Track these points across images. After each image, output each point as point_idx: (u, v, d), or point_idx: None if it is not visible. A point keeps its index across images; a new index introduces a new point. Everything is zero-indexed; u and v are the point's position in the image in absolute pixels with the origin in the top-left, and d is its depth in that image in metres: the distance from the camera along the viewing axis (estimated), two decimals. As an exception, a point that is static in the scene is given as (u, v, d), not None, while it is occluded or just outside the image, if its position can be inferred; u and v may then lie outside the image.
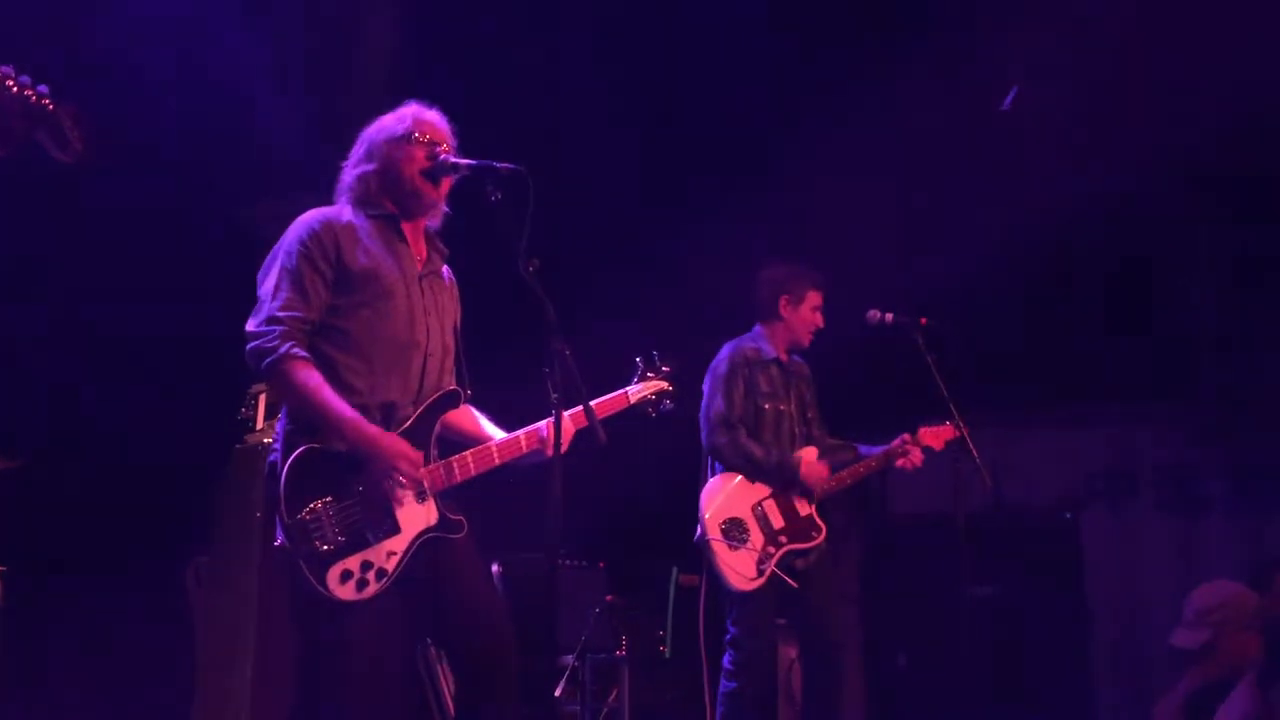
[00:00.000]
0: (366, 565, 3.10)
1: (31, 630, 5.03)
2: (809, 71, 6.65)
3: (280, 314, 3.15)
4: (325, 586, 3.04)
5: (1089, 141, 6.50)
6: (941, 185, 6.58)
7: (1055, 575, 6.51)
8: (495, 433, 3.47)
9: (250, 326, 3.18)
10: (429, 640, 5.07)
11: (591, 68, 6.50)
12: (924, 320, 4.83)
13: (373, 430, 3.12)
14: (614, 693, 5.79)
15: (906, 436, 4.95)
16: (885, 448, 4.98)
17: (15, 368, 5.38)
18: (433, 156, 3.34)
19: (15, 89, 2.03)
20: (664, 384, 3.79)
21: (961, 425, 4.75)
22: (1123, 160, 6.32)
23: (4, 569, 4.92)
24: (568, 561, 5.89)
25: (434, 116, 3.42)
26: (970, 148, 6.60)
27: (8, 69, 2.03)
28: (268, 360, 3.11)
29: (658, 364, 3.82)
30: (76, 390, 5.38)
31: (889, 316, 4.92)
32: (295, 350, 3.12)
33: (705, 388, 4.98)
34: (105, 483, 5.37)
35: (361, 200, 3.37)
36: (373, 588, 3.09)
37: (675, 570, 6.27)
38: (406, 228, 3.40)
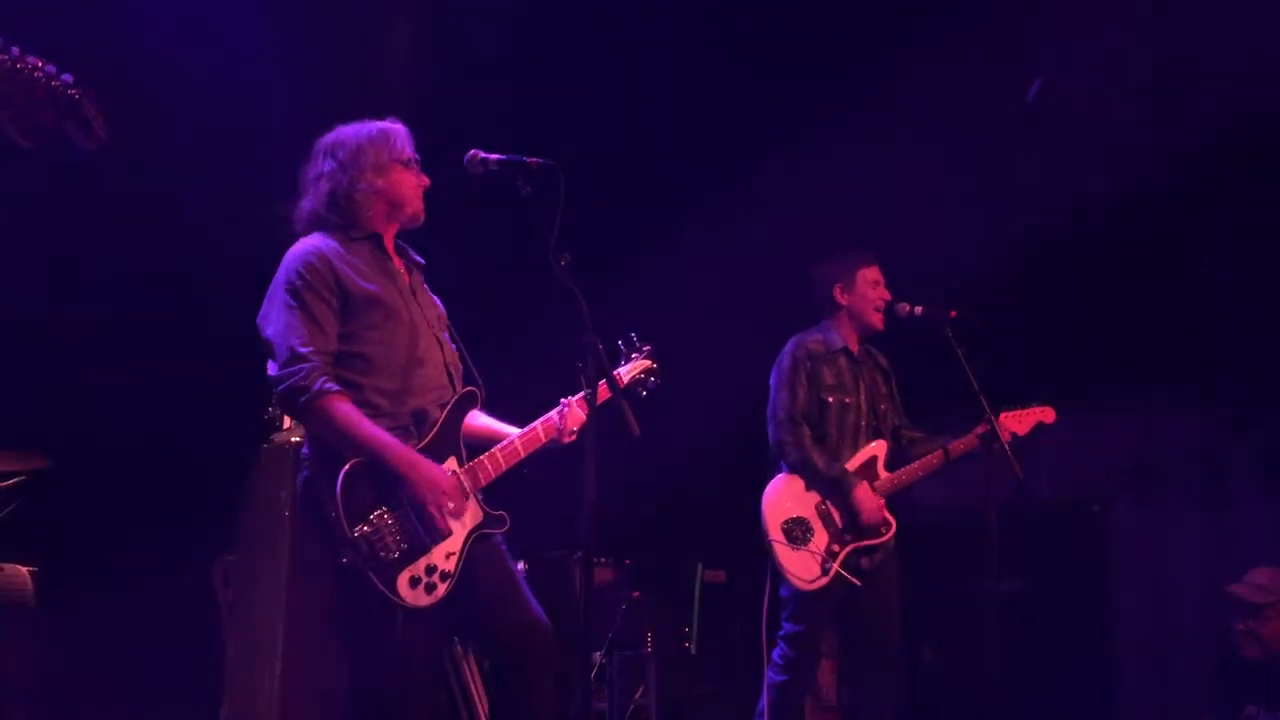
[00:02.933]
0: (431, 569, 3.14)
1: (61, 629, 5.05)
2: (817, 60, 6.60)
3: (302, 350, 3.15)
4: (398, 595, 3.07)
5: (1109, 122, 6.44)
6: (957, 171, 6.52)
7: (1082, 568, 6.48)
8: (510, 429, 3.50)
9: (274, 371, 3.18)
10: (455, 638, 5.08)
11: (600, 46, 6.47)
12: (953, 313, 4.78)
13: (415, 459, 3.16)
14: (641, 689, 5.78)
15: (984, 428, 4.79)
16: (961, 439, 4.85)
17: (42, 367, 5.39)
18: (423, 185, 3.42)
19: (43, 79, 2.02)
20: (649, 362, 3.87)
21: (991, 417, 4.71)
22: (1143, 141, 6.27)
23: (34, 569, 4.95)
24: (594, 559, 5.87)
25: (405, 131, 3.46)
26: (987, 132, 6.55)
27: (34, 59, 2.02)
28: (304, 399, 3.11)
29: (638, 344, 3.89)
30: (103, 390, 5.38)
31: (918, 309, 4.87)
32: (328, 385, 3.13)
33: (770, 383, 4.93)
34: (132, 482, 5.38)
35: (345, 220, 3.36)
36: (441, 589, 3.14)
37: (700, 567, 6.26)
38: (389, 245, 3.43)
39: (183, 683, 5.22)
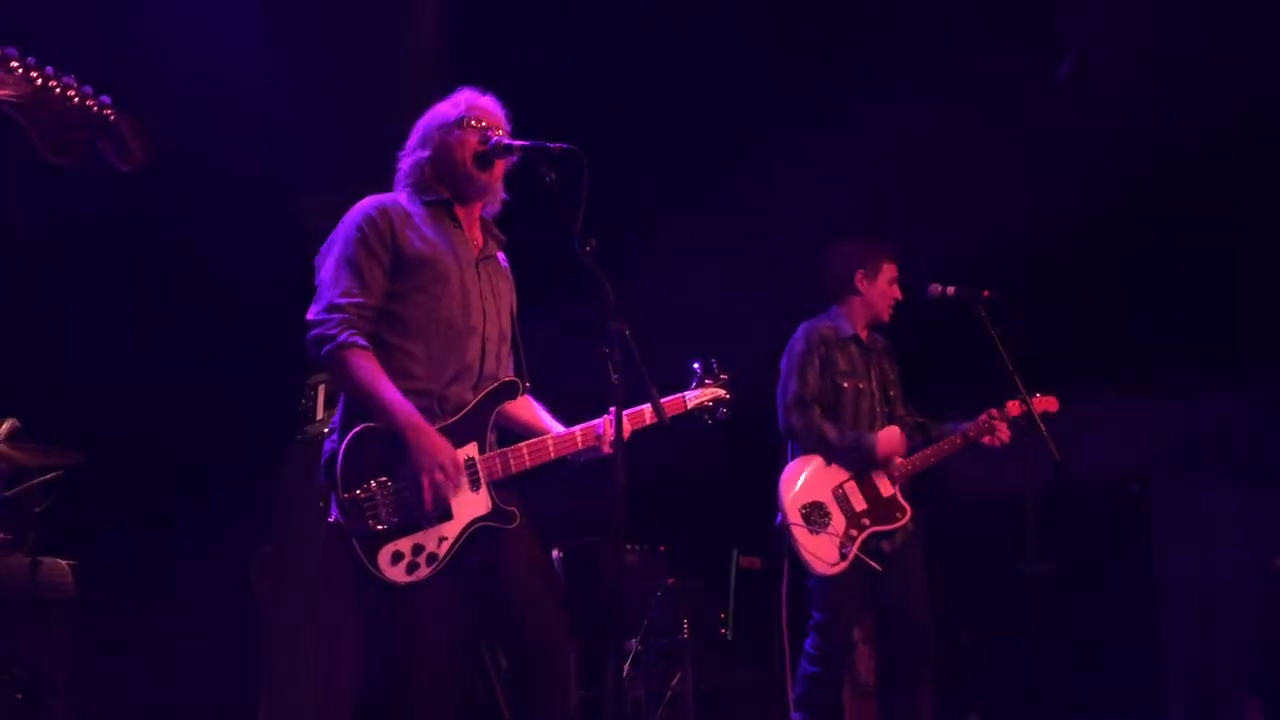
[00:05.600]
0: (418, 549, 3.11)
1: (99, 622, 5.10)
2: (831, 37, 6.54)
3: (340, 301, 3.16)
4: (376, 566, 3.05)
5: (1150, 96, 6.34)
6: (995, 147, 6.44)
7: (1124, 550, 6.42)
8: (553, 425, 3.46)
9: (310, 314, 3.20)
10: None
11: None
12: (986, 293, 4.73)
13: (422, 426, 3.11)
14: (677, 676, 5.77)
15: (994, 411, 4.78)
16: (970, 423, 4.84)
17: (78, 363, 5.45)
18: (485, 140, 3.33)
19: (77, 100, 2.03)
20: (721, 391, 3.75)
21: (1027, 398, 4.66)
22: (1184, 116, 6.17)
23: (73, 562, 4.99)
24: (629, 546, 5.87)
25: (487, 101, 3.42)
26: (1025, 106, 6.46)
27: (70, 79, 2.03)
28: (327, 348, 3.13)
29: (716, 371, 3.78)
30: (139, 385, 5.43)
31: (950, 290, 4.82)
32: (354, 338, 3.13)
33: (781, 368, 4.90)
34: (169, 475, 5.42)
35: (418, 186, 3.38)
36: (423, 571, 3.10)
37: (735, 553, 6.24)
38: (461, 213, 3.40)
39: (219, 675, 5.26)
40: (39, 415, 4.85)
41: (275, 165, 5.49)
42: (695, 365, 3.77)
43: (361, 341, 3.14)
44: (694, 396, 3.71)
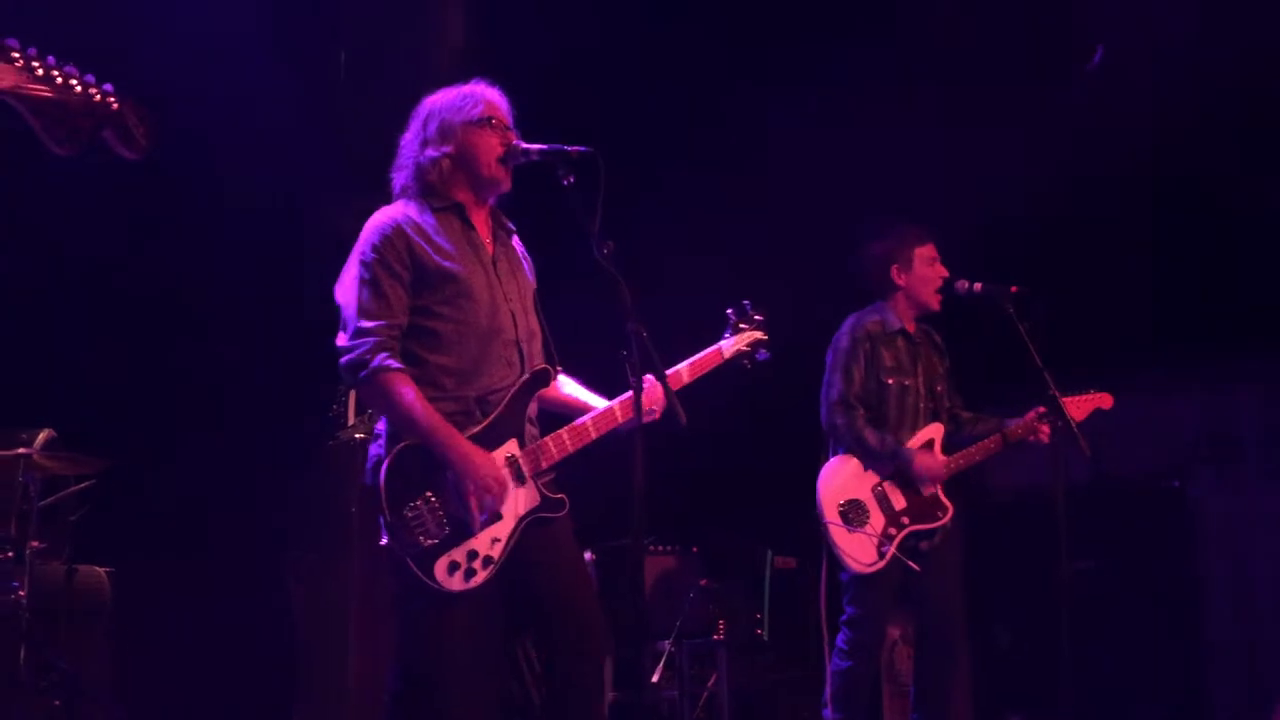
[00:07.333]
0: (472, 555, 3.11)
1: (137, 628, 5.14)
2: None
3: (368, 324, 3.15)
4: (434, 580, 3.06)
5: (1175, 76, 6.24)
6: (1017, 129, 6.35)
7: (1163, 546, 6.33)
8: (592, 399, 3.45)
9: (341, 341, 3.19)
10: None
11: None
12: (1014, 288, 4.67)
13: (462, 446, 3.12)
14: (713, 677, 5.76)
15: (1041, 409, 4.68)
16: (1016, 422, 4.76)
17: (108, 372, 5.50)
18: (506, 143, 3.32)
19: (79, 88, 2.04)
20: (758, 333, 3.74)
21: (1056, 394, 4.60)
22: (1213, 91, 6.06)
23: (110, 569, 5.05)
24: (660, 547, 5.86)
25: (499, 97, 3.39)
26: (1047, 91, 6.38)
27: (72, 69, 2.03)
28: (363, 374, 3.12)
29: (750, 313, 3.76)
30: (173, 390, 5.47)
31: (977, 286, 4.75)
32: (387, 361, 3.12)
33: (826, 363, 4.85)
34: (203, 481, 5.46)
35: (427, 190, 3.33)
36: (481, 576, 3.12)
37: (770, 554, 6.22)
38: (473, 214, 3.38)
39: (256, 679, 5.29)
40: (72, 424, 4.91)
41: (306, 167, 5.50)
42: (729, 311, 3.75)
43: (395, 364, 3.13)
44: (730, 344, 3.69)
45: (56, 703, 4.44)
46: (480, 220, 3.40)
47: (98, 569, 5.00)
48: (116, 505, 5.08)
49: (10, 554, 4.33)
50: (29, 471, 4.47)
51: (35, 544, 4.41)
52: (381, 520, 3.09)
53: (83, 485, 4.80)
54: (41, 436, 4.73)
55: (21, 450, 4.43)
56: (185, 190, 5.47)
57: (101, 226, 5.44)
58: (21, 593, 4.27)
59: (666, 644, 5.58)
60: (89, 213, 5.36)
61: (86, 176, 4.51)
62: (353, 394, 5.20)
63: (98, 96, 2.06)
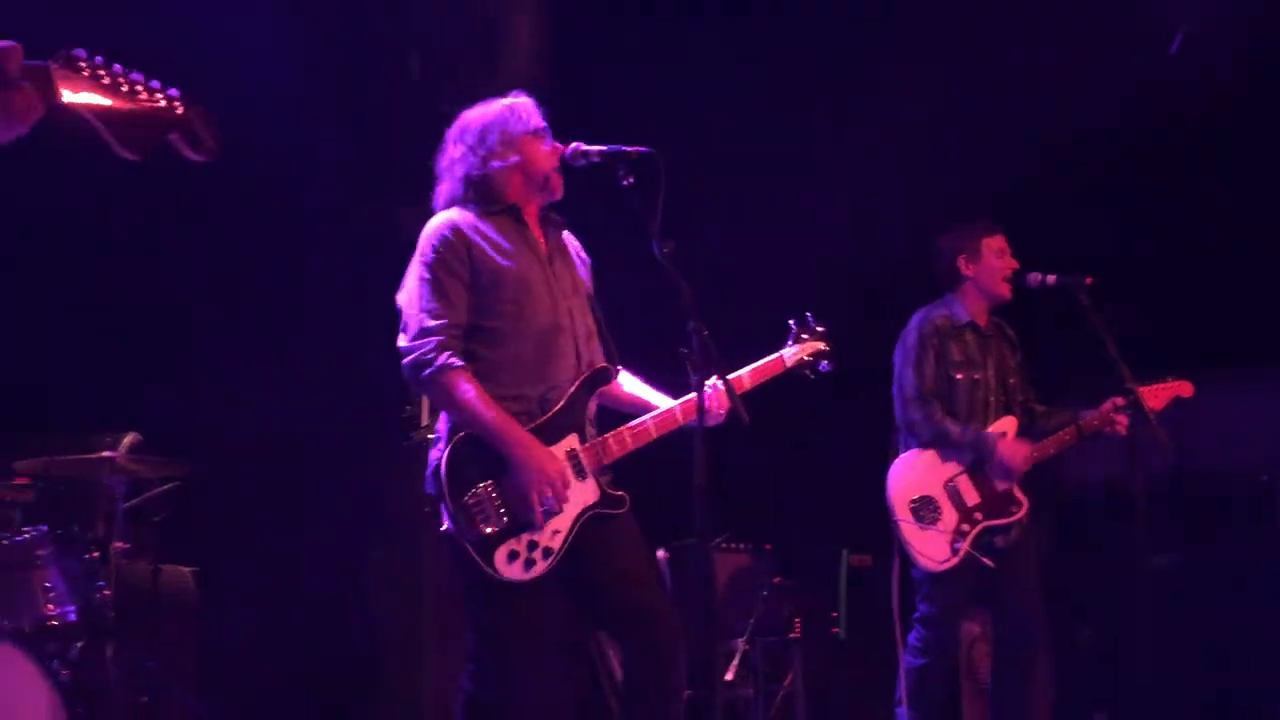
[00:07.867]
0: (533, 545, 3.15)
1: (220, 628, 5.25)
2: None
3: (431, 324, 3.21)
4: (494, 568, 3.11)
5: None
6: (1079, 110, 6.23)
7: (1252, 543, 6.18)
8: (655, 397, 3.49)
9: (403, 343, 3.26)
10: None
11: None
12: (1089, 280, 4.59)
13: (525, 442, 3.16)
14: (790, 676, 5.73)
15: (1119, 400, 4.59)
16: (1092, 413, 4.67)
17: (192, 374, 5.62)
18: (558, 150, 3.38)
19: (146, 95, 2.08)
20: (821, 344, 3.74)
21: (1133, 386, 4.51)
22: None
23: (195, 569, 5.17)
24: (732, 545, 5.85)
25: (533, 105, 3.45)
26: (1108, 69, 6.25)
27: (138, 76, 2.08)
28: (426, 372, 3.18)
29: (812, 325, 3.77)
30: (251, 393, 5.57)
31: (1050, 278, 4.69)
32: (452, 360, 3.18)
33: (895, 360, 4.81)
34: (281, 482, 5.55)
35: (484, 196, 3.38)
36: (540, 566, 3.15)
37: (845, 552, 6.17)
38: (526, 214, 3.43)
39: (336, 679, 5.37)
40: (158, 427, 5.03)
41: (369, 173, 5.55)
42: (790, 322, 3.76)
43: (458, 362, 3.18)
44: (792, 354, 3.71)
45: (144, 699, 4.55)
46: (532, 219, 3.45)
47: (183, 568, 5.12)
48: (201, 506, 5.19)
49: (96, 554, 4.44)
50: (114, 474, 4.58)
51: (120, 544, 4.52)
52: (443, 506, 3.15)
53: (167, 487, 4.92)
54: (127, 440, 4.85)
55: (107, 453, 4.54)
56: (262, 197, 5.55)
57: (196, 232, 5.57)
58: (107, 591, 4.38)
59: (740, 642, 5.57)
60: (188, 216, 5.48)
61: (199, 183, 4.59)
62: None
63: (164, 102, 2.11)
